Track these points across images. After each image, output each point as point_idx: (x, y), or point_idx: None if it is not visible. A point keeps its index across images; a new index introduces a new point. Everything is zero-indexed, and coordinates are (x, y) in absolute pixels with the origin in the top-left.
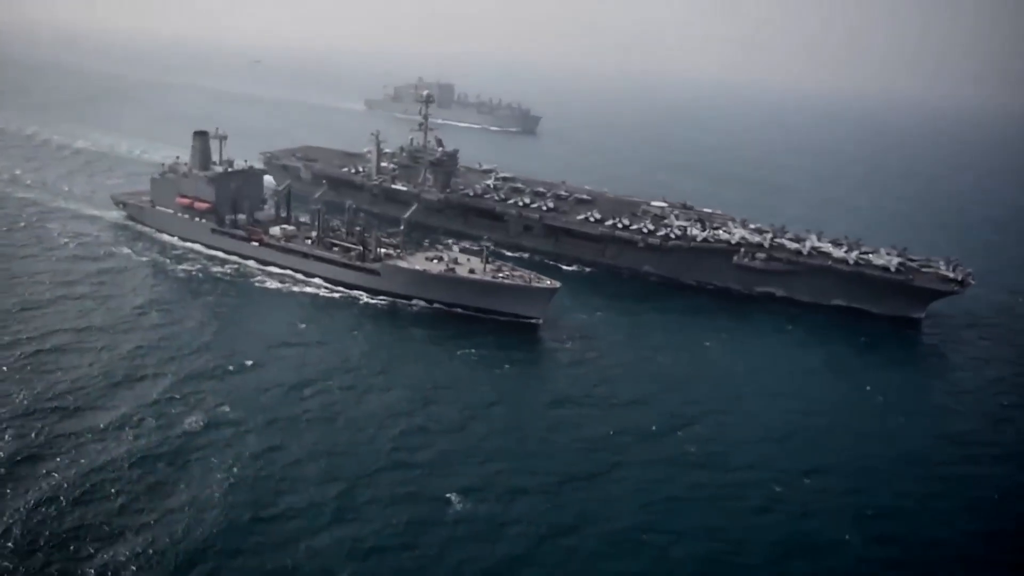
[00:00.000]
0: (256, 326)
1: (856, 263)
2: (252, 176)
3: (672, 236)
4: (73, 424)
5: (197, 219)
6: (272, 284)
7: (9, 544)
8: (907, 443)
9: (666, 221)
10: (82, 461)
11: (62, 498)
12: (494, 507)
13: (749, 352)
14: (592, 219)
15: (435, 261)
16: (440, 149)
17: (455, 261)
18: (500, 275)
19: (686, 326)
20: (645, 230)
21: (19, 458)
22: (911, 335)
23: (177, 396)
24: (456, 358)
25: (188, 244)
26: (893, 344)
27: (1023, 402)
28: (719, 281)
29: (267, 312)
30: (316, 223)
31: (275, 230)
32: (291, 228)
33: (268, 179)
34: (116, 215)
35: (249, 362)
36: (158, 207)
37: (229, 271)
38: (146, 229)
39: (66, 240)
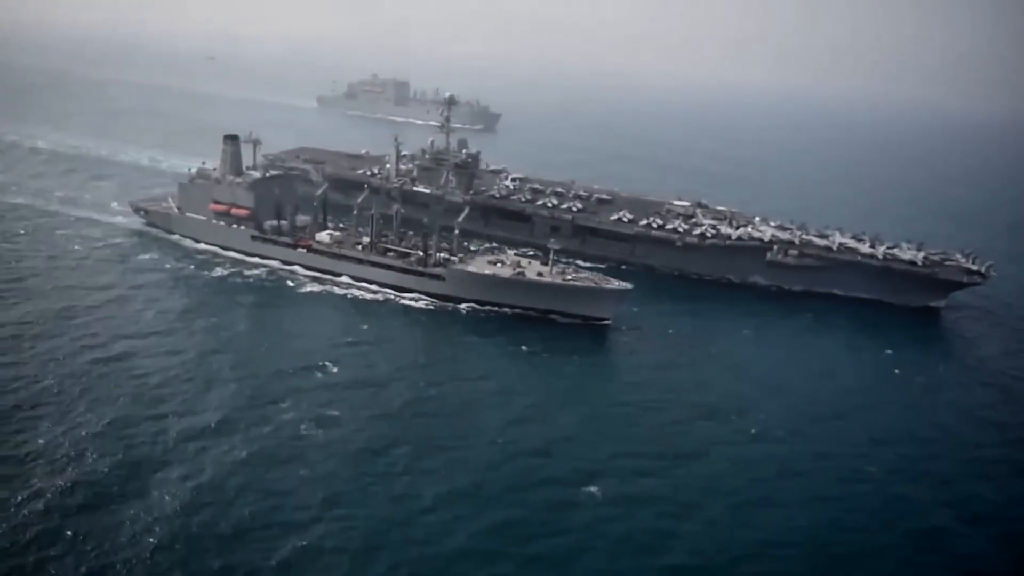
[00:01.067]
0: (322, 329)
1: (885, 258)
2: (288, 180)
3: (708, 235)
4: (185, 429)
5: (235, 226)
6: (317, 288)
7: (177, 547)
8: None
9: (695, 220)
10: (216, 465)
11: (213, 500)
12: (624, 488)
13: (797, 343)
14: (625, 219)
15: (497, 265)
16: (464, 151)
17: (518, 264)
18: (568, 277)
19: (733, 319)
20: (680, 229)
21: (148, 466)
22: (935, 323)
23: (274, 399)
24: (538, 357)
25: (220, 250)
26: (920, 331)
27: None
28: (751, 278)
29: (329, 316)
30: (370, 228)
31: (323, 236)
32: (338, 233)
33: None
34: (125, 221)
35: (330, 364)
36: (188, 214)
37: (270, 277)
38: (173, 236)
39: (82, 248)
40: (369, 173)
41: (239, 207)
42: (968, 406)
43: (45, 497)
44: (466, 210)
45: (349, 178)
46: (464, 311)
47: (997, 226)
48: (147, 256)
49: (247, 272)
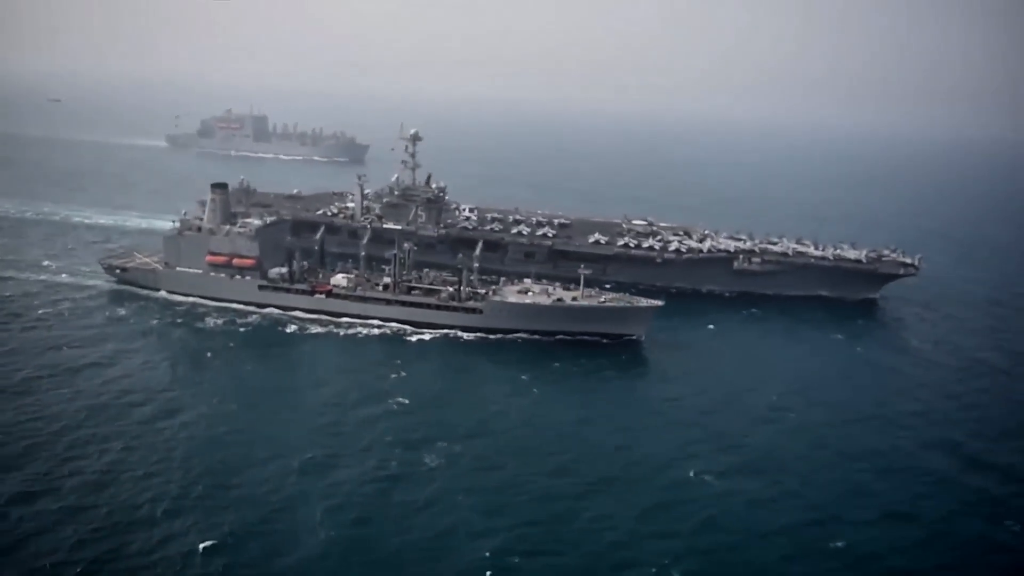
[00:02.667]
0: (375, 369)
1: (834, 258)
2: (282, 227)
3: (682, 250)
4: (321, 472)
5: (237, 276)
6: (336, 331)
7: None
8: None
9: (660, 237)
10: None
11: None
12: (739, 483)
13: (776, 336)
14: (602, 241)
15: (528, 294)
16: (435, 186)
17: (547, 292)
18: (601, 300)
19: (728, 323)
20: (656, 247)
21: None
22: (875, 310)
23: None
24: (590, 375)
25: (213, 303)
26: (863, 317)
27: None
28: (715, 286)
29: (370, 356)
30: (393, 269)
31: (339, 279)
32: (353, 276)
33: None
34: (99, 282)
35: (405, 400)
36: (179, 268)
37: (276, 325)
38: (158, 294)
39: (52, 313)
40: (329, 213)
41: (242, 257)
42: (909, 372)
43: None
44: (478, 248)
45: (308, 219)
46: (519, 341)
47: (920, 230)
48: (146, 319)
49: (242, 320)
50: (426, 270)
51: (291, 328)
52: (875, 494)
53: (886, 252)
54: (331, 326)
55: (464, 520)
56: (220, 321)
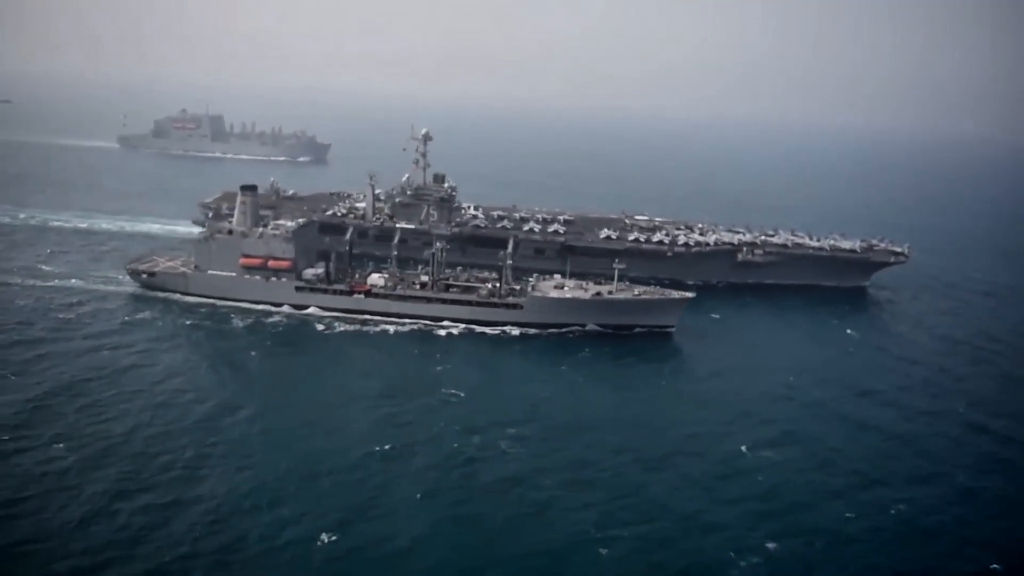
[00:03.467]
0: (420, 365)
1: (831, 248)
2: (312, 228)
3: (691, 243)
4: (403, 459)
5: (273, 279)
6: (368, 329)
7: None
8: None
9: (664, 231)
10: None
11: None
12: (783, 454)
13: (781, 323)
14: (612, 236)
15: (564, 289)
16: (447, 186)
17: (582, 287)
18: (636, 292)
19: (745, 313)
20: (666, 241)
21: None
22: (866, 296)
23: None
24: (630, 364)
25: (248, 305)
26: (856, 304)
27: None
28: (718, 277)
29: (413, 354)
30: (431, 267)
31: (375, 279)
32: (386, 275)
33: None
34: (113, 287)
35: (458, 392)
36: (211, 272)
37: (304, 324)
38: (187, 298)
39: (76, 317)
40: (339, 214)
41: (277, 259)
42: (902, 351)
43: None
44: (512, 248)
45: (318, 219)
46: (535, 334)
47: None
48: (180, 320)
49: (270, 321)
50: (458, 268)
51: (319, 327)
52: (900, 457)
53: (875, 242)
54: (358, 324)
55: (556, 496)
56: (249, 321)
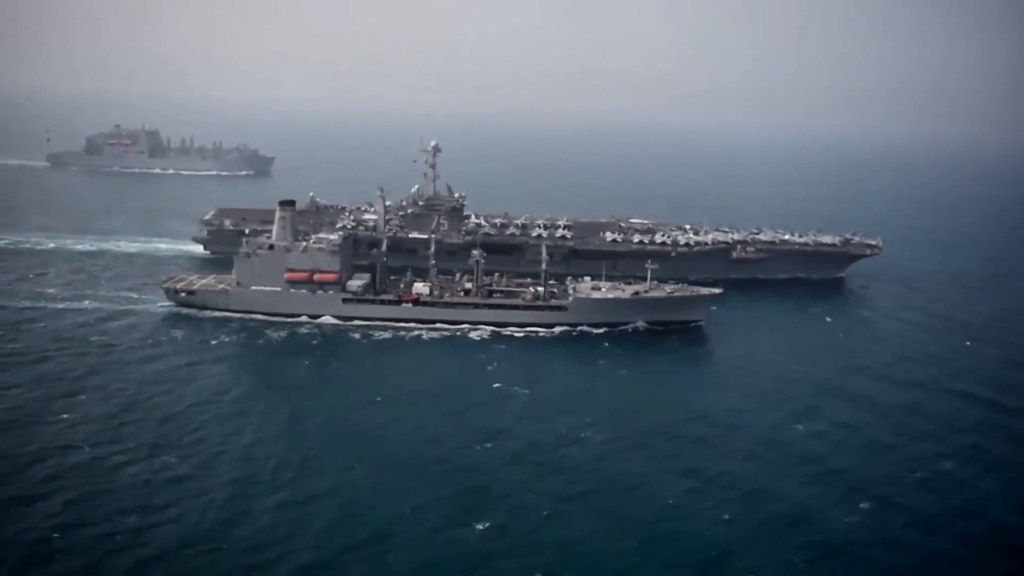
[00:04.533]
0: (470, 367)
1: (814, 243)
2: (350, 241)
3: (691, 243)
4: (501, 450)
5: (320, 291)
6: (403, 335)
7: None
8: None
9: (662, 232)
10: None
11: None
12: (820, 427)
13: (780, 313)
14: (618, 239)
15: (601, 290)
16: (457, 195)
17: (617, 287)
18: (668, 290)
19: (753, 306)
20: (669, 242)
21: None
22: (845, 286)
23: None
24: (669, 356)
25: (286, 319)
26: (836, 293)
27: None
28: (715, 274)
29: (458, 357)
30: (475, 275)
31: (420, 288)
32: (428, 284)
33: None
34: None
35: (522, 390)
36: (254, 287)
37: (347, 332)
38: (227, 314)
39: (115, 338)
40: (350, 226)
41: (323, 272)
42: (884, 334)
43: None
44: (545, 256)
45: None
46: (576, 334)
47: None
48: (221, 335)
49: (305, 332)
50: (496, 274)
51: (356, 335)
52: (913, 424)
53: (849, 236)
54: (391, 331)
55: (649, 471)
56: (283, 334)
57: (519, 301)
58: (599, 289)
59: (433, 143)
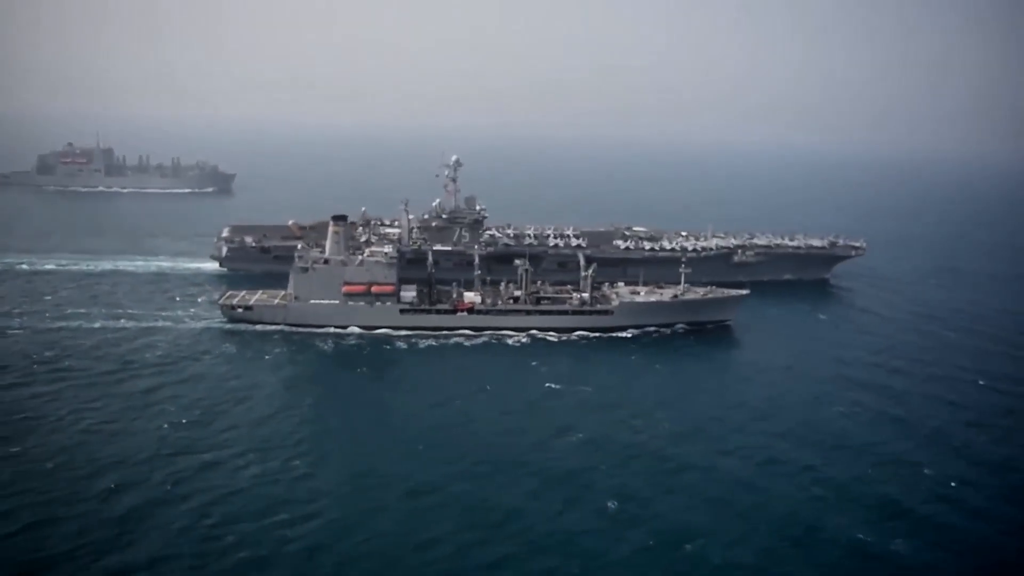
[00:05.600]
0: (519, 369)
1: (806, 246)
2: (399, 255)
3: (699, 249)
4: (582, 441)
5: (378, 303)
6: (446, 343)
7: None
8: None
9: (666, 239)
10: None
11: None
12: (850, 409)
13: (782, 312)
14: (630, 247)
15: (640, 294)
16: (479, 208)
17: (653, 291)
18: (701, 293)
19: (766, 305)
20: (679, 248)
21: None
22: (828, 287)
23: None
24: (706, 353)
25: (339, 330)
26: (825, 292)
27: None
28: (718, 277)
29: (505, 361)
30: (523, 283)
31: (472, 297)
32: (477, 293)
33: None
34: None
35: (580, 388)
36: (312, 301)
37: (389, 342)
38: (283, 327)
39: (176, 354)
40: (372, 240)
41: (381, 284)
42: (874, 328)
43: None
44: (593, 264)
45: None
46: (613, 337)
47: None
48: (280, 348)
49: (348, 344)
50: (539, 282)
51: (400, 344)
52: (923, 406)
53: (834, 238)
54: (434, 340)
55: (714, 452)
56: (331, 344)
57: (567, 307)
58: (637, 293)
59: (454, 158)
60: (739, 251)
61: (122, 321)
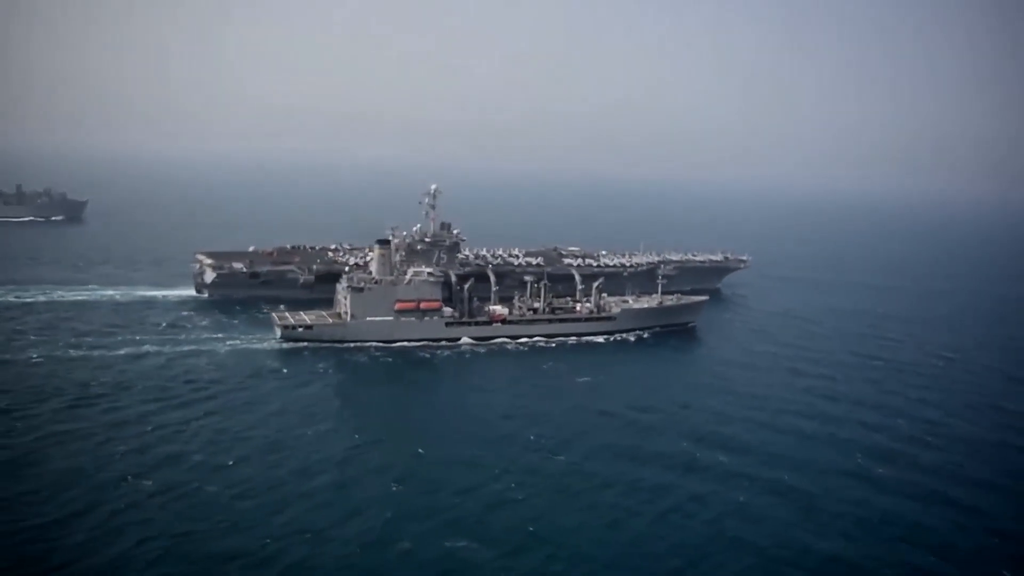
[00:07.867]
0: (537, 372)
1: (709, 261)
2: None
3: (637, 264)
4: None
5: (427, 318)
6: (464, 351)
7: None
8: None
9: (603, 258)
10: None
11: None
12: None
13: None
14: (583, 264)
15: (630, 302)
16: (456, 232)
17: (636, 299)
18: (674, 299)
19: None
20: (619, 265)
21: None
22: (720, 294)
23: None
24: (683, 349)
25: (399, 343)
26: (720, 299)
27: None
28: (646, 289)
29: (522, 364)
30: (542, 296)
31: (500, 309)
32: (504, 306)
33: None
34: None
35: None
36: (368, 318)
37: (413, 352)
38: (342, 344)
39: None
40: (355, 263)
41: (428, 301)
42: (751, 325)
43: None
44: (599, 280)
45: (334, 271)
46: (634, 336)
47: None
48: (340, 363)
49: (378, 354)
50: (551, 296)
51: (424, 354)
52: (868, 390)
53: (726, 253)
54: (447, 350)
55: (741, 431)
56: (363, 358)
57: (578, 315)
58: (627, 302)
59: (434, 187)
60: (661, 266)
61: (146, 347)
